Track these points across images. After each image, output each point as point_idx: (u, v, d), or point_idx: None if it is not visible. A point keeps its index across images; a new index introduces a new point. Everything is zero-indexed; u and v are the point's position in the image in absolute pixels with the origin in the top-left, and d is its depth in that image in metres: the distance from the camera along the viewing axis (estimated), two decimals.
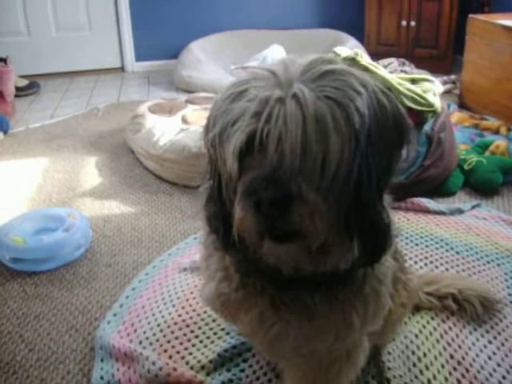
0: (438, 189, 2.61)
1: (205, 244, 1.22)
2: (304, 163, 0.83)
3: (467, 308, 1.76)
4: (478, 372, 1.56)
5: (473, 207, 2.48)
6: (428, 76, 2.81)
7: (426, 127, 2.55)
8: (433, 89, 2.64)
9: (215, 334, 1.71)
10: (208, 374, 1.56)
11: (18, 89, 4.30)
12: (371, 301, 1.10)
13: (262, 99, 0.86)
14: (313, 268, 0.95)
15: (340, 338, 1.10)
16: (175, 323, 1.76)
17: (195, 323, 1.76)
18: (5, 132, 3.56)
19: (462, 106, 3.81)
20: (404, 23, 4.81)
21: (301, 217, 0.83)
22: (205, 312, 1.80)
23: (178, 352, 1.64)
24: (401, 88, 2.50)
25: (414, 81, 2.69)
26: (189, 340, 1.69)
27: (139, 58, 5.21)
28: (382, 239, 0.94)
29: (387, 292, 1.15)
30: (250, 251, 0.94)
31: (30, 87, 4.54)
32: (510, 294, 1.87)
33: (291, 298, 1.05)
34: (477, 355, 1.61)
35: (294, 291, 1.04)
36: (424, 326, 1.72)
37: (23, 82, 4.50)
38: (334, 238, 0.89)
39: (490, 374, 1.55)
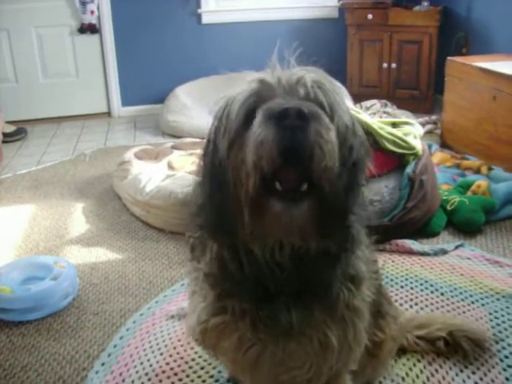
0: (422, 230, 2.64)
1: (190, 282, 1.24)
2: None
3: (458, 350, 1.76)
4: None
5: (456, 247, 2.51)
6: (408, 119, 2.88)
7: (408, 170, 2.60)
8: (413, 132, 2.70)
9: (203, 381, 1.71)
10: None
11: (5, 135, 4.31)
12: (350, 327, 1.12)
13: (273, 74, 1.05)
14: (308, 239, 0.97)
15: (315, 363, 1.11)
16: (163, 371, 1.76)
17: (183, 371, 1.76)
18: None
19: (444, 145, 3.88)
20: (385, 65, 4.92)
21: (318, 135, 0.87)
22: (193, 360, 1.80)
23: None
24: (382, 132, 2.56)
25: (394, 124, 2.76)
26: None
27: (125, 102, 5.26)
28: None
29: (363, 326, 1.17)
30: (245, 228, 0.95)
31: (18, 133, 4.57)
32: (494, 334, 1.89)
33: (269, 315, 1.06)
34: None
35: (271, 305, 1.06)
36: (410, 369, 1.73)
37: (10, 128, 4.53)
38: (341, 202, 0.94)
39: None
